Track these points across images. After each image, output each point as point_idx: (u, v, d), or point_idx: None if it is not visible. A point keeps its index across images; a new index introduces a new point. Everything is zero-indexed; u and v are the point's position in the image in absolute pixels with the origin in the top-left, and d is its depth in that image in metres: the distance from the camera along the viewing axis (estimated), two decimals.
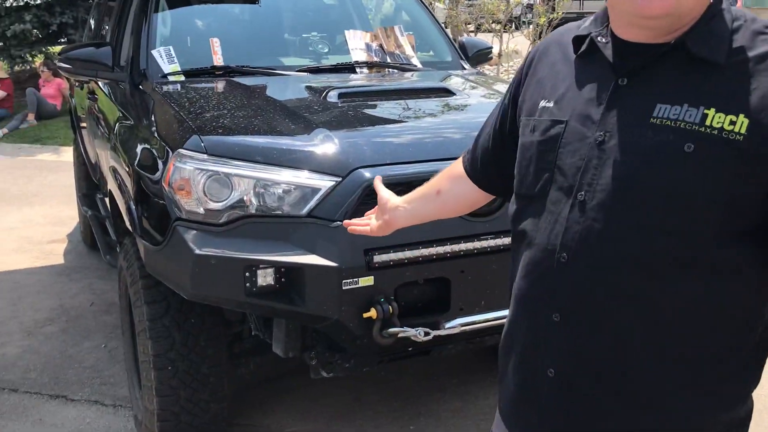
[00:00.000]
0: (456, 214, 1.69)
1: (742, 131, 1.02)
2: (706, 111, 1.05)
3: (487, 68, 4.42)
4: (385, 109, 2.80)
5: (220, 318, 2.73)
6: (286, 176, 2.31)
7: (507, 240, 2.40)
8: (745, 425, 1.20)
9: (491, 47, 4.21)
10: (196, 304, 2.60)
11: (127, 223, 2.64)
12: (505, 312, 2.43)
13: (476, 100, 3.04)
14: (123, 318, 3.22)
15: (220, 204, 2.32)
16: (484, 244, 2.38)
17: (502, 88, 3.35)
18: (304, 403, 3.29)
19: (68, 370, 3.61)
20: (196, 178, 2.32)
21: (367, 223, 1.73)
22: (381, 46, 3.65)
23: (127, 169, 2.73)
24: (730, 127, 1.03)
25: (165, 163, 2.44)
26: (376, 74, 3.55)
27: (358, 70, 3.51)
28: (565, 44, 1.27)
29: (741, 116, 1.03)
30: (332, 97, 2.82)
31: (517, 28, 10.82)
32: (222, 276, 2.26)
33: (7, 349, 3.83)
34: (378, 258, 2.25)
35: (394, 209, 1.63)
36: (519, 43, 10.66)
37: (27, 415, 3.24)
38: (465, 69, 3.80)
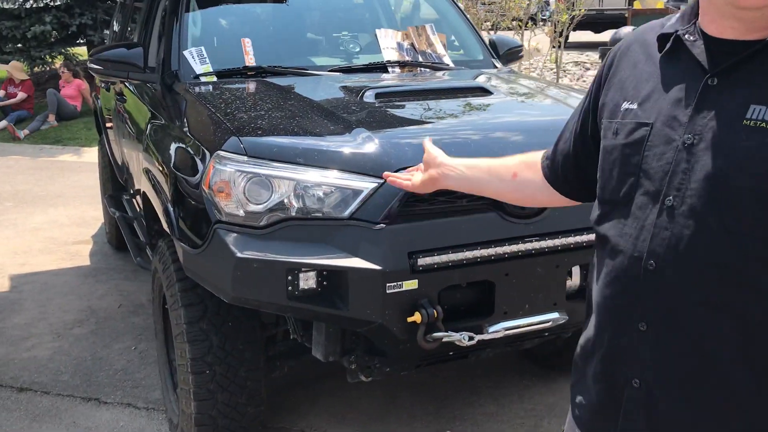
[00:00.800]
0: (520, 203, 1.68)
1: None
2: None
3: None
4: (423, 109, 2.76)
5: (257, 321, 2.70)
6: (328, 178, 2.27)
7: (552, 242, 2.38)
8: None
9: (521, 45, 4.16)
10: (233, 307, 2.57)
11: (165, 225, 2.62)
12: (550, 315, 2.44)
13: (514, 99, 2.99)
14: (156, 321, 3.19)
15: (261, 206, 2.28)
16: (529, 246, 2.34)
17: (537, 86, 3.30)
18: (339, 405, 3.26)
19: (99, 372, 3.60)
20: (236, 180, 2.29)
21: (408, 178, 1.69)
22: (412, 45, 3.61)
23: (164, 171, 2.71)
24: None
25: (203, 165, 2.41)
26: (408, 74, 3.51)
27: (390, 69, 3.47)
28: (648, 43, 1.22)
29: None
30: (369, 97, 2.78)
31: (534, 25, 10.72)
32: (264, 279, 2.23)
33: (38, 351, 3.82)
34: (422, 261, 2.21)
35: (446, 167, 1.60)
36: (539, 41, 10.60)
37: (60, 417, 3.23)
38: (497, 67, 3.76)
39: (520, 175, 1.52)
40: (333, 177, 2.28)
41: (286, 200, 2.28)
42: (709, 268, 1.06)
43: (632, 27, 8.55)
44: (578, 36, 14.02)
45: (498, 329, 2.36)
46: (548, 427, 3.13)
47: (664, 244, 1.10)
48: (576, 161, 1.40)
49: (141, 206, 3.60)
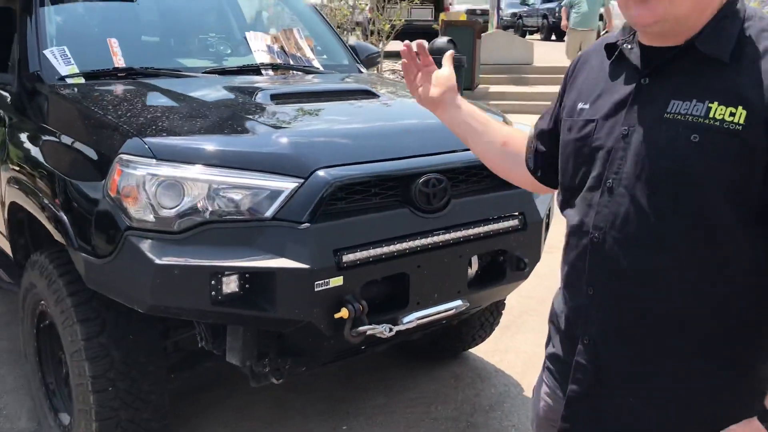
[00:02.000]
0: (496, 170, 1.73)
1: (741, 122, 1.15)
2: (710, 105, 1.17)
3: None
4: (320, 110, 2.80)
5: (158, 332, 2.60)
6: (246, 179, 2.25)
7: (456, 234, 2.53)
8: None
9: (378, 52, 4.33)
10: (133, 319, 2.46)
11: (57, 236, 2.43)
12: (455, 303, 2.60)
13: (398, 101, 3.12)
14: (27, 342, 2.94)
15: (173, 210, 2.21)
16: (437, 239, 2.47)
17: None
18: (229, 414, 3.20)
19: None
20: (145, 184, 2.20)
21: (418, 82, 1.66)
22: (282, 48, 3.63)
23: (48, 179, 2.51)
24: (730, 119, 1.15)
25: (104, 170, 2.28)
26: (280, 76, 3.52)
27: (263, 72, 3.46)
28: (602, 53, 1.40)
29: (740, 108, 1.15)
30: (263, 98, 2.77)
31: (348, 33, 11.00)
32: (186, 286, 2.16)
33: None
34: (347, 257, 2.26)
35: (459, 98, 1.64)
36: None
37: None
38: (362, 72, 3.88)
39: (508, 144, 1.63)
40: (251, 178, 2.25)
41: (200, 203, 2.22)
42: (640, 239, 1.25)
43: (447, 38, 9.07)
44: (388, 46, 14.56)
45: (412, 319, 2.47)
46: (437, 412, 3.29)
47: (604, 219, 1.29)
48: (548, 156, 1.55)
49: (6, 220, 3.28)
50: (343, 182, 2.30)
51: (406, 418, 3.25)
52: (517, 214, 2.71)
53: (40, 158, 2.62)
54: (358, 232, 2.32)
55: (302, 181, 2.27)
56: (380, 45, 10.10)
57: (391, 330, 2.38)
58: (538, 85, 11.37)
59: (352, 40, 10.86)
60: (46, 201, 2.51)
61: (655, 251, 1.24)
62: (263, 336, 2.48)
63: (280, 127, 2.47)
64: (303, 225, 2.22)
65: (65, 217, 2.38)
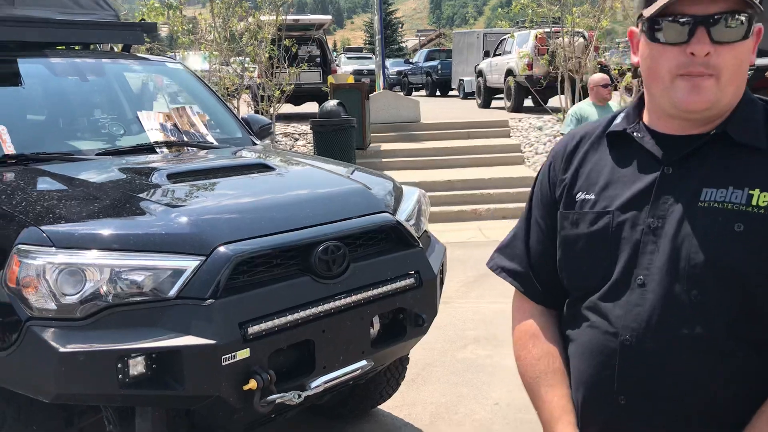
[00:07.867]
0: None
1: None
2: (751, 192, 1.13)
3: None
4: (217, 186, 2.87)
5: (62, 421, 2.56)
6: (147, 260, 2.30)
7: (356, 297, 2.65)
8: None
9: (271, 123, 4.46)
10: (35, 410, 2.42)
11: None
12: (360, 363, 2.70)
13: (292, 172, 3.25)
14: None
15: (75, 297, 2.23)
16: (338, 303, 2.58)
17: (303, 159, 3.60)
18: None
19: None
20: (46, 273, 2.21)
21: None
22: (175, 125, 3.70)
23: None
24: None
25: (1, 262, 2.28)
26: (175, 153, 3.58)
27: (158, 150, 3.51)
28: (595, 140, 1.34)
29: None
30: (159, 178, 2.83)
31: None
32: (92, 371, 2.17)
33: None
34: (252, 329, 2.33)
35: None
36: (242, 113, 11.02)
37: None
38: (256, 144, 3.99)
39: (552, 363, 1.36)
40: (152, 259, 2.31)
41: (102, 288, 2.25)
42: (682, 338, 1.15)
43: (336, 101, 9.33)
44: (280, 109, 14.78)
45: (319, 383, 2.55)
46: None
47: (638, 319, 1.18)
48: (547, 272, 1.39)
49: None
50: (243, 257, 2.39)
51: None
52: (412, 272, 2.87)
53: None
54: (262, 303, 2.40)
55: (204, 258, 2.34)
56: (271, 109, 10.25)
57: (299, 396, 2.46)
58: (426, 141, 11.80)
59: (242, 105, 11.01)
60: None
61: (698, 352, 1.14)
62: (172, 415, 2.49)
63: (178, 206, 2.53)
64: (207, 302, 2.28)
65: None
